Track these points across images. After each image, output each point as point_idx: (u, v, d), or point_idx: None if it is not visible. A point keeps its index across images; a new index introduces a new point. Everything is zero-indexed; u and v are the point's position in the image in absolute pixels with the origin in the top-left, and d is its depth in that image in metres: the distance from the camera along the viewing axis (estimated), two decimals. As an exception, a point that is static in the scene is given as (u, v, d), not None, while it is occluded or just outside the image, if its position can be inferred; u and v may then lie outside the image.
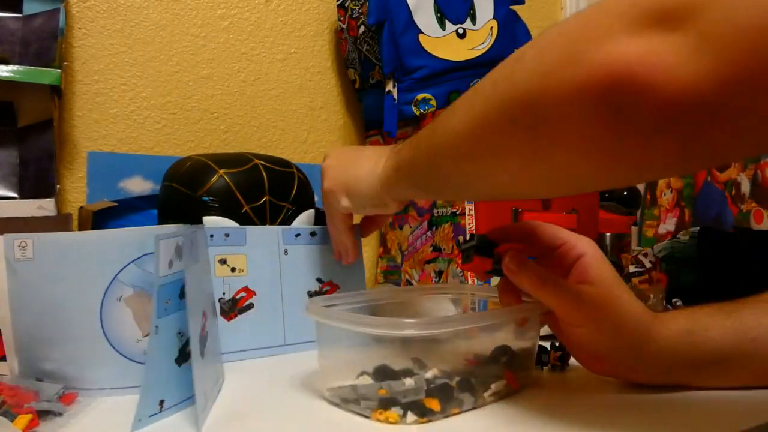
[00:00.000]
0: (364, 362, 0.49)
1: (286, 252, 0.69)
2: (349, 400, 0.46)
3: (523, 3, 1.03)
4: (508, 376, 0.50)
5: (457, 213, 0.87)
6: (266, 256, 0.68)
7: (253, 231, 0.68)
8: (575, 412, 0.46)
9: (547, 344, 0.61)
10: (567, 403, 0.49)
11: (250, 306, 0.65)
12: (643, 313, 0.48)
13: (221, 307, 0.64)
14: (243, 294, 0.66)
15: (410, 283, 0.93)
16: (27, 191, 0.75)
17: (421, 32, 0.92)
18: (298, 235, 0.71)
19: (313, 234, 0.72)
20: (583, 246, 0.49)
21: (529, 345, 0.54)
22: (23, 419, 0.39)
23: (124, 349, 0.51)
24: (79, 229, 0.78)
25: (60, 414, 0.43)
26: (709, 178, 1.81)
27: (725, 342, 0.47)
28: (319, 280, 0.72)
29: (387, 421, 0.43)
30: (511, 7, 1.00)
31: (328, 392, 0.49)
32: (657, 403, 0.50)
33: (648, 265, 0.87)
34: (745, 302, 0.50)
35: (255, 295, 0.66)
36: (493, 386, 0.48)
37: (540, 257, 0.52)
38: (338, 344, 0.50)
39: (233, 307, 0.65)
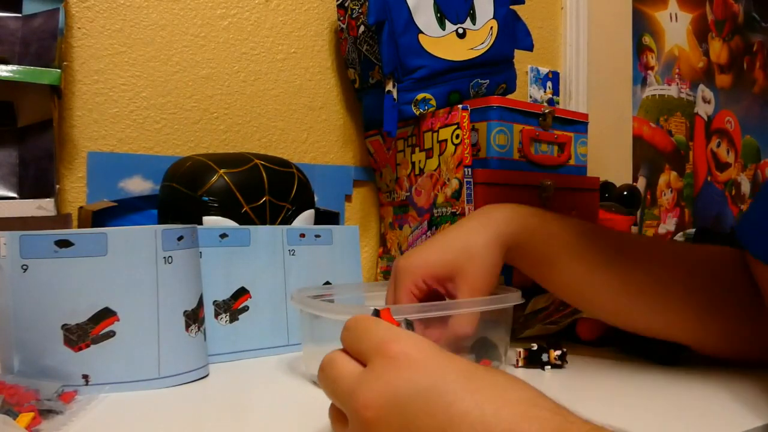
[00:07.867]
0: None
1: (292, 252, 0.69)
2: None
3: (523, 3, 1.03)
4: (485, 364, 0.53)
5: (457, 213, 0.87)
6: (270, 257, 0.68)
7: (257, 231, 0.67)
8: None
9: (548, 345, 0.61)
10: (562, 402, 0.49)
11: (245, 309, 0.65)
12: None
13: (215, 309, 0.63)
14: (240, 296, 0.65)
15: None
16: (27, 191, 0.75)
17: (421, 32, 0.92)
18: (302, 235, 0.71)
19: (317, 236, 0.72)
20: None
21: (503, 335, 0.58)
22: (25, 417, 0.39)
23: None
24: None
25: (61, 412, 0.43)
26: (709, 178, 1.81)
27: None
28: (326, 283, 0.72)
29: None
30: (511, 6, 1.00)
31: (314, 377, 0.52)
32: (656, 403, 0.50)
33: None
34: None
35: (250, 297, 0.66)
36: None
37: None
38: (323, 333, 0.53)
39: (228, 309, 0.64)
